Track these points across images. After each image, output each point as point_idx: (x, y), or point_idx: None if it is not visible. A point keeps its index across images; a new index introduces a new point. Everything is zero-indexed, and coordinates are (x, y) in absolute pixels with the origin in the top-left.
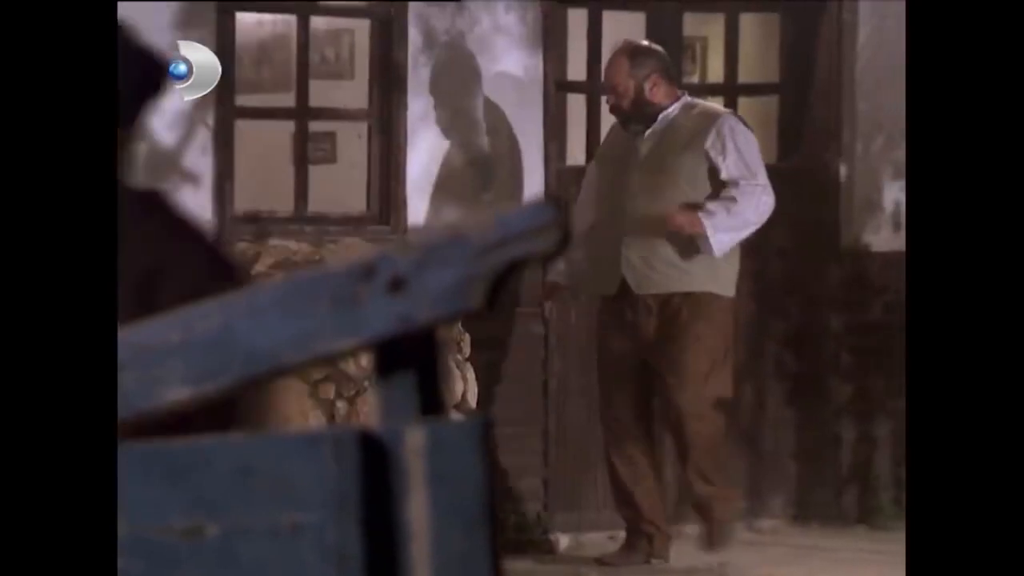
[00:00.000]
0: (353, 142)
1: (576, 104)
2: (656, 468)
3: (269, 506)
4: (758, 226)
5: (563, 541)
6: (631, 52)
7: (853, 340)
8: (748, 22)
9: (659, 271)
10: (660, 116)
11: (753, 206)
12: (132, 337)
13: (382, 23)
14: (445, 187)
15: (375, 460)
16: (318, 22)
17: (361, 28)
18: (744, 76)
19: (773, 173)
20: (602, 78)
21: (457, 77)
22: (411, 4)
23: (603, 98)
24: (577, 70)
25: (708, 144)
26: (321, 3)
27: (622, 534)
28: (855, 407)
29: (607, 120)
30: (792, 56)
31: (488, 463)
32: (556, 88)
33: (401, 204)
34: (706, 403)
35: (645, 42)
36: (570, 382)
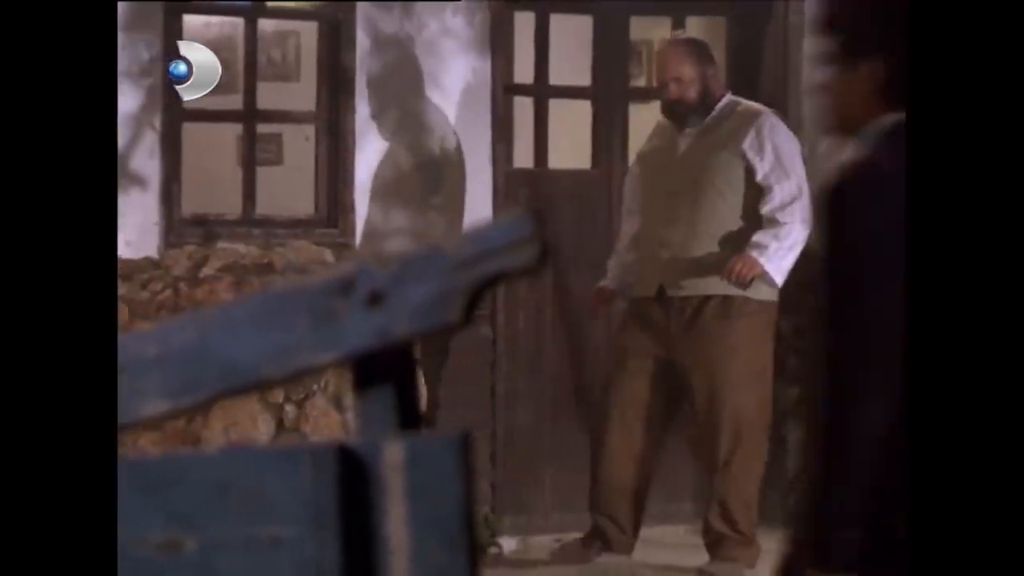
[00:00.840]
0: (299, 144)
1: (523, 107)
2: (648, 473)
3: (247, 520)
4: (807, 235)
5: (510, 544)
6: (694, 44)
7: (800, 343)
8: (695, 26)
9: (695, 272)
10: (706, 116)
11: (799, 221)
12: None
13: (330, 25)
14: (393, 190)
15: (353, 474)
16: (265, 24)
17: (308, 30)
18: None
19: None
20: (657, 71)
21: (405, 80)
22: (359, 6)
23: (663, 91)
24: (524, 73)
25: (746, 144)
26: (269, 5)
27: (568, 537)
28: (802, 410)
29: (555, 122)
30: (739, 59)
31: (467, 477)
32: (504, 91)
33: (349, 207)
34: (742, 421)
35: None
36: (518, 385)
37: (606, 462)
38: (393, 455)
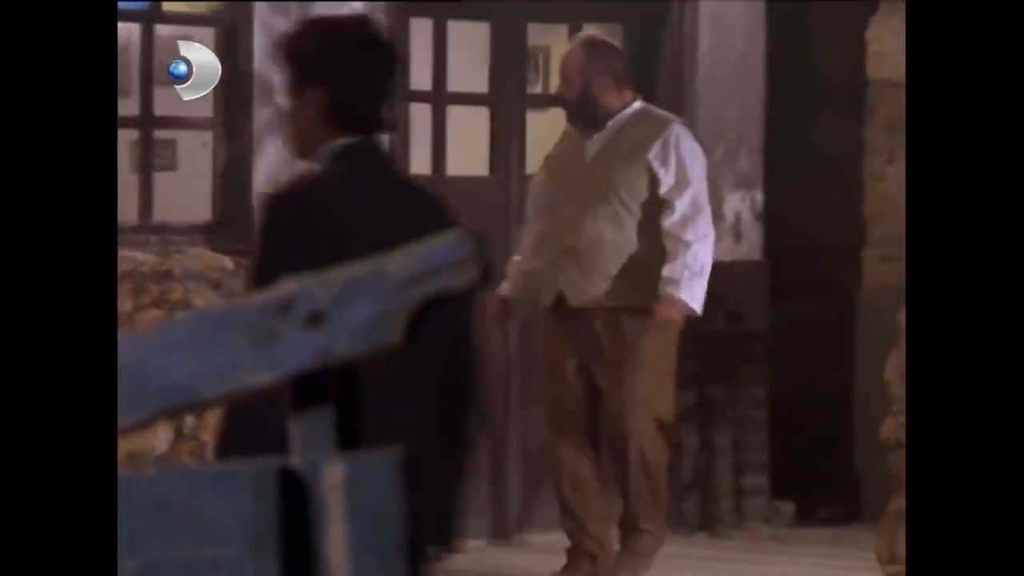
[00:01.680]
0: (195, 150)
1: (421, 114)
2: (603, 484)
3: (186, 541)
4: (712, 250)
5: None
6: (589, 44)
7: (695, 349)
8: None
9: (595, 283)
10: (610, 121)
11: (702, 237)
12: None
13: (226, 30)
14: None
15: (293, 495)
16: (162, 29)
17: (205, 36)
18: None
19: None
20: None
21: None
22: (256, 10)
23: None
24: (422, 79)
25: (652, 154)
26: (164, 9)
27: (481, 543)
28: (696, 415)
29: (453, 129)
30: (634, 66)
31: (407, 496)
32: (401, 97)
33: (248, 213)
34: (649, 427)
35: (610, 40)
36: None
37: (566, 481)
38: (333, 475)
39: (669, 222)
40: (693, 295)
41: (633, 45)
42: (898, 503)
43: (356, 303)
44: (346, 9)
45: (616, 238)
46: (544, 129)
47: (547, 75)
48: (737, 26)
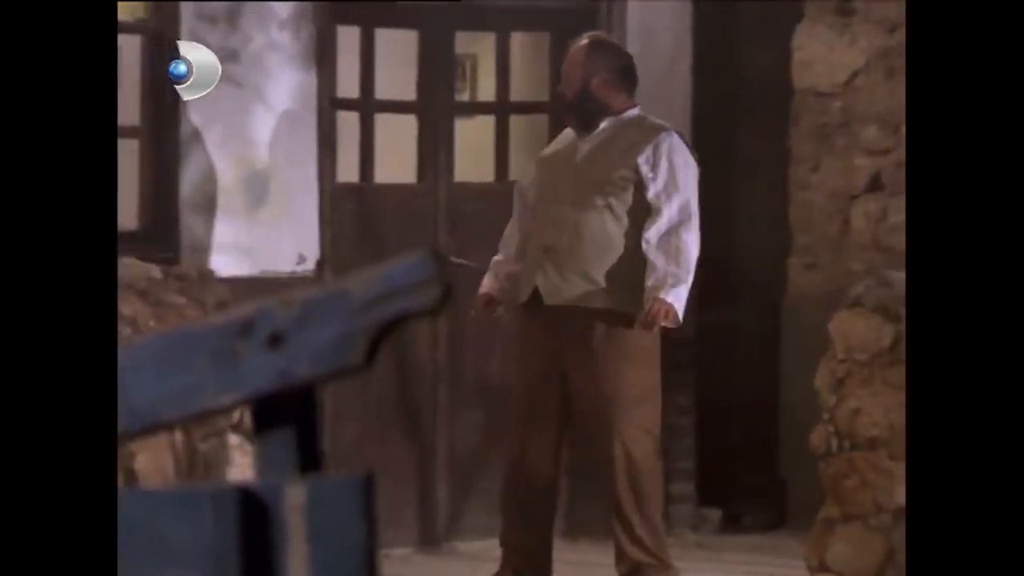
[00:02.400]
0: (121, 158)
1: (349, 121)
2: (555, 498)
3: (147, 563)
4: (696, 258)
5: None
6: (593, 44)
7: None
8: (518, 41)
9: (572, 283)
10: (603, 123)
11: (688, 245)
12: None
13: (153, 39)
14: (219, 204)
15: (254, 517)
16: None
17: (131, 44)
18: (515, 95)
19: None
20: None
21: (230, 94)
22: (183, 20)
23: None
24: (350, 87)
25: (642, 159)
26: None
27: (395, 552)
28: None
29: (382, 137)
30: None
31: (369, 519)
32: (329, 105)
33: (173, 221)
34: (637, 447)
35: (616, 42)
36: (343, 402)
37: (523, 485)
38: (295, 497)
39: (656, 227)
40: (679, 300)
41: (560, 53)
42: (828, 511)
43: (317, 324)
44: (274, 15)
45: (598, 239)
46: (472, 137)
47: (475, 83)
48: (664, 33)
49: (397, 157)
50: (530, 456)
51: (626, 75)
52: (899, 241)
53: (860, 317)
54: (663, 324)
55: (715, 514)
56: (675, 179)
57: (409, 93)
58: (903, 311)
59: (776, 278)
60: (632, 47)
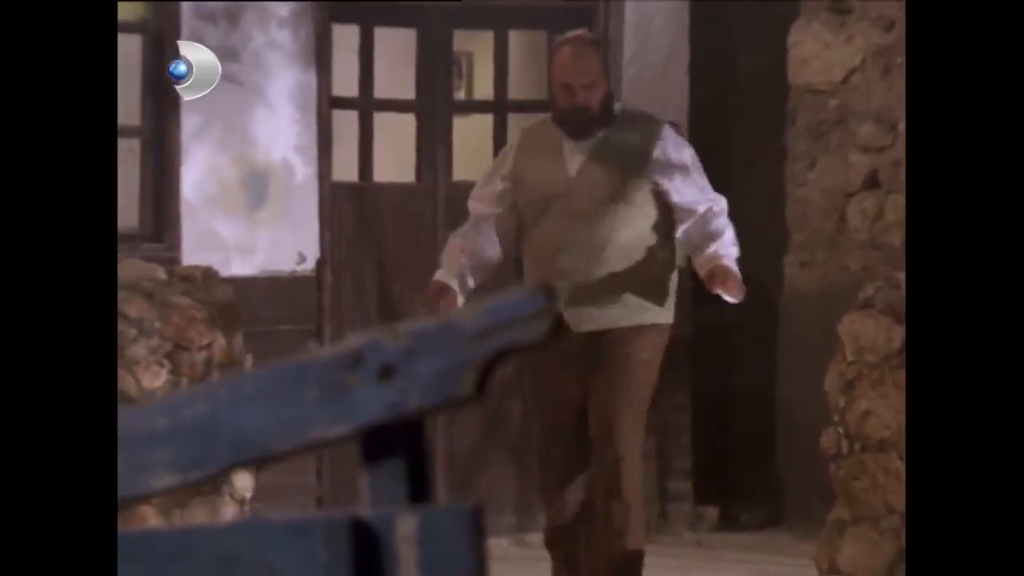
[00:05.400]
0: (122, 158)
1: (348, 120)
2: (590, 510)
3: None
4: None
5: None
6: (595, 45)
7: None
8: (516, 39)
9: (599, 303)
10: (598, 128)
11: (731, 231)
12: (118, 424)
13: (154, 38)
14: (219, 204)
15: (365, 547)
16: None
17: (132, 43)
18: (512, 93)
19: None
20: (559, 73)
21: (230, 93)
22: (183, 19)
23: (564, 96)
24: (349, 86)
25: (655, 161)
26: None
27: None
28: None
29: (380, 136)
30: None
31: (480, 548)
32: (329, 104)
33: (175, 221)
34: (632, 442)
35: (592, 35)
36: None
37: (556, 512)
38: (406, 527)
39: (700, 213)
40: (738, 274)
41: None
42: (839, 513)
43: (427, 356)
44: (274, 14)
45: (621, 253)
46: (469, 135)
47: (471, 81)
48: (661, 32)
49: (396, 156)
50: (566, 487)
51: (606, 67)
52: (896, 238)
53: (870, 319)
54: (726, 295)
55: (712, 512)
56: (698, 182)
57: (408, 92)
58: None
59: (773, 276)
60: (629, 46)
